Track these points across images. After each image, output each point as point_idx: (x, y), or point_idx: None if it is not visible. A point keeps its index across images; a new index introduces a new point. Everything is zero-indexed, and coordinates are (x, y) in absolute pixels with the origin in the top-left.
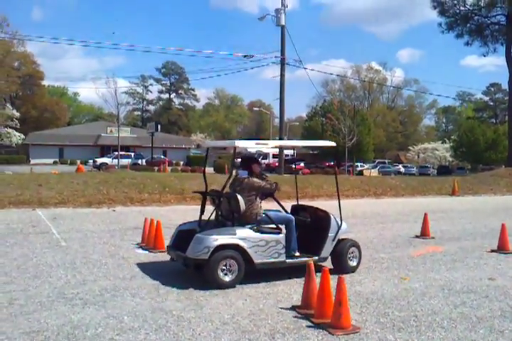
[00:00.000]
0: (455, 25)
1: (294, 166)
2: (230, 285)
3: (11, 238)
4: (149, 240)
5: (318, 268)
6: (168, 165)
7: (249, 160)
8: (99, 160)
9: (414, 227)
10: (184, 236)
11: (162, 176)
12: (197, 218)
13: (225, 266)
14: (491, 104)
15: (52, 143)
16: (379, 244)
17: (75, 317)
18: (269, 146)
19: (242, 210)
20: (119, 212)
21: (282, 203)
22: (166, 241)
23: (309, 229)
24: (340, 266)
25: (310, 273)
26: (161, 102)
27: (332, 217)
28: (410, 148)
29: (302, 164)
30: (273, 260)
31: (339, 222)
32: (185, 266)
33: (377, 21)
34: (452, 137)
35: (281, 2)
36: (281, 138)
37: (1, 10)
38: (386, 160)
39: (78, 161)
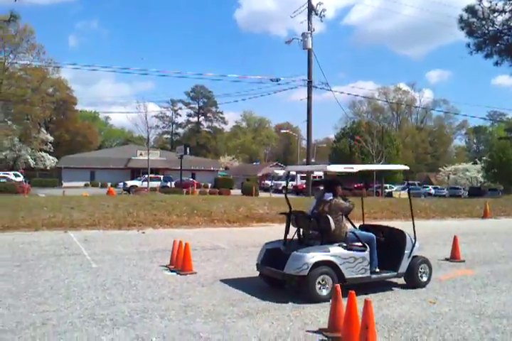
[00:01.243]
0: (484, 46)
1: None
2: (327, 299)
3: (44, 259)
4: (177, 262)
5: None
6: (197, 188)
7: (333, 183)
8: (130, 183)
9: (444, 250)
10: (271, 254)
11: (190, 198)
12: (231, 240)
13: (322, 280)
14: None
15: (83, 166)
16: None
17: (105, 337)
18: (355, 170)
19: (332, 229)
20: (148, 234)
21: None
22: (194, 263)
23: (383, 247)
24: (413, 282)
25: (337, 296)
26: (189, 125)
27: (407, 235)
28: (440, 169)
29: None
30: (360, 275)
31: (413, 240)
32: (273, 283)
33: (405, 42)
34: (484, 158)
35: (308, 26)
36: (308, 160)
37: (39, 39)
38: (416, 182)
39: (109, 184)
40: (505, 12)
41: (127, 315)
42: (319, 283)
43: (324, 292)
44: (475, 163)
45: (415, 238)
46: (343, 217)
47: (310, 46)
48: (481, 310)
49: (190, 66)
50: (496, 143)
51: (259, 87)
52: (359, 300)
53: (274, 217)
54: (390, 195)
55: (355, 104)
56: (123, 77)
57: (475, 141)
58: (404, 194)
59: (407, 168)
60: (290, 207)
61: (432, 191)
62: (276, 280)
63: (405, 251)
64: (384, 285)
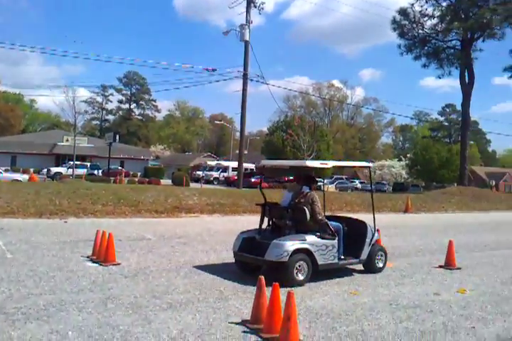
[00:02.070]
0: (413, 48)
1: (252, 180)
2: (303, 283)
3: None
4: (100, 252)
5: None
6: (125, 177)
7: (310, 178)
8: (54, 170)
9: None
10: (247, 242)
11: (118, 187)
12: (158, 230)
13: (299, 266)
14: (446, 124)
15: (3, 151)
16: None
17: (15, 333)
18: (329, 166)
19: (307, 220)
20: (70, 223)
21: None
22: (118, 254)
23: (347, 236)
24: (371, 267)
25: (261, 287)
26: (120, 112)
27: (369, 225)
28: None
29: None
30: (330, 262)
31: (373, 230)
32: (247, 269)
33: (341, 40)
34: (408, 155)
35: (246, 18)
36: (240, 152)
37: None
38: (344, 176)
39: (31, 170)
40: (434, 17)
41: (42, 308)
42: (296, 268)
43: (301, 276)
44: (400, 160)
45: (375, 228)
46: (319, 208)
47: (247, 38)
48: (397, 300)
49: (124, 51)
50: (419, 142)
51: (194, 77)
52: (283, 292)
53: (203, 208)
54: (319, 188)
55: (289, 98)
56: (52, 59)
57: (401, 138)
58: (332, 188)
59: (371, 165)
60: (265, 199)
61: (359, 186)
62: (250, 266)
63: (367, 240)
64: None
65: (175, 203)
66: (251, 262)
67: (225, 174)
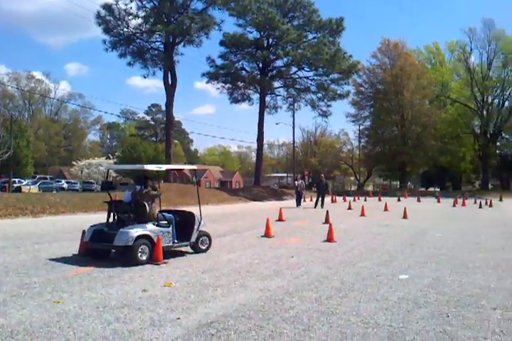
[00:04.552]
0: (119, 45)
1: None
2: (146, 262)
3: None
4: None
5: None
6: None
7: (144, 178)
8: None
9: (73, 245)
10: (97, 233)
11: None
12: None
13: (142, 249)
14: (152, 123)
15: None
16: (33, 268)
17: None
18: (163, 169)
19: (147, 212)
20: None
21: None
22: None
23: (180, 224)
24: (197, 248)
25: None
26: None
27: (196, 215)
28: (74, 163)
29: None
30: (167, 244)
31: (199, 219)
32: (98, 255)
33: (46, 30)
34: (116, 153)
35: None
36: None
37: None
38: (48, 176)
39: None
40: (139, 17)
41: None
42: (140, 251)
43: (144, 257)
44: (108, 158)
45: (201, 217)
46: (154, 203)
47: None
48: (105, 302)
49: None
50: (127, 140)
51: None
52: None
53: None
54: (18, 189)
55: None
56: None
57: (109, 136)
58: (35, 188)
59: (195, 167)
60: (111, 197)
61: (65, 185)
62: (100, 253)
63: (195, 227)
64: None
65: None
66: (102, 248)
67: None
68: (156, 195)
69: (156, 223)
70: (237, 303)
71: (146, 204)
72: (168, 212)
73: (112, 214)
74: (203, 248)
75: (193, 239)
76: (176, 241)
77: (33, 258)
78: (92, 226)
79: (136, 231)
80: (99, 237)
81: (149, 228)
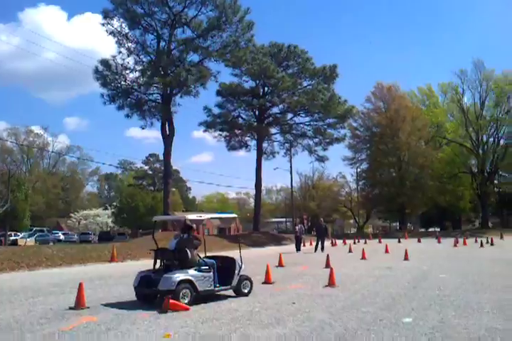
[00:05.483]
0: (117, 98)
1: None
2: (188, 305)
3: None
4: None
5: None
6: None
7: (188, 227)
8: None
9: (70, 298)
10: (145, 279)
11: None
12: None
13: (184, 293)
14: (150, 172)
15: None
16: (26, 322)
17: None
18: (203, 218)
19: (189, 259)
20: None
21: None
22: None
23: (221, 269)
24: (239, 292)
25: None
26: None
27: (236, 260)
28: (72, 214)
29: None
30: (208, 288)
31: (240, 264)
32: (146, 299)
33: (43, 86)
34: (114, 203)
35: None
36: None
37: None
38: (45, 228)
39: None
40: (136, 71)
41: None
42: (182, 294)
43: (186, 300)
44: (106, 209)
45: (242, 262)
46: (195, 250)
47: None
48: None
49: None
50: (125, 190)
51: None
52: None
53: None
54: (14, 243)
55: None
56: None
57: (106, 187)
58: (32, 241)
59: (235, 215)
60: (157, 245)
61: (62, 237)
62: (149, 297)
63: (235, 271)
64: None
65: None
66: (148, 293)
67: None
68: (197, 243)
69: (198, 268)
70: None
71: (188, 251)
72: (210, 257)
73: (157, 261)
74: (245, 291)
75: (234, 283)
76: (217, 285)
77: (27, 313)
78: (140, 272)
79: (178, 277)
80: (146, 282)
81: (191, 273)
